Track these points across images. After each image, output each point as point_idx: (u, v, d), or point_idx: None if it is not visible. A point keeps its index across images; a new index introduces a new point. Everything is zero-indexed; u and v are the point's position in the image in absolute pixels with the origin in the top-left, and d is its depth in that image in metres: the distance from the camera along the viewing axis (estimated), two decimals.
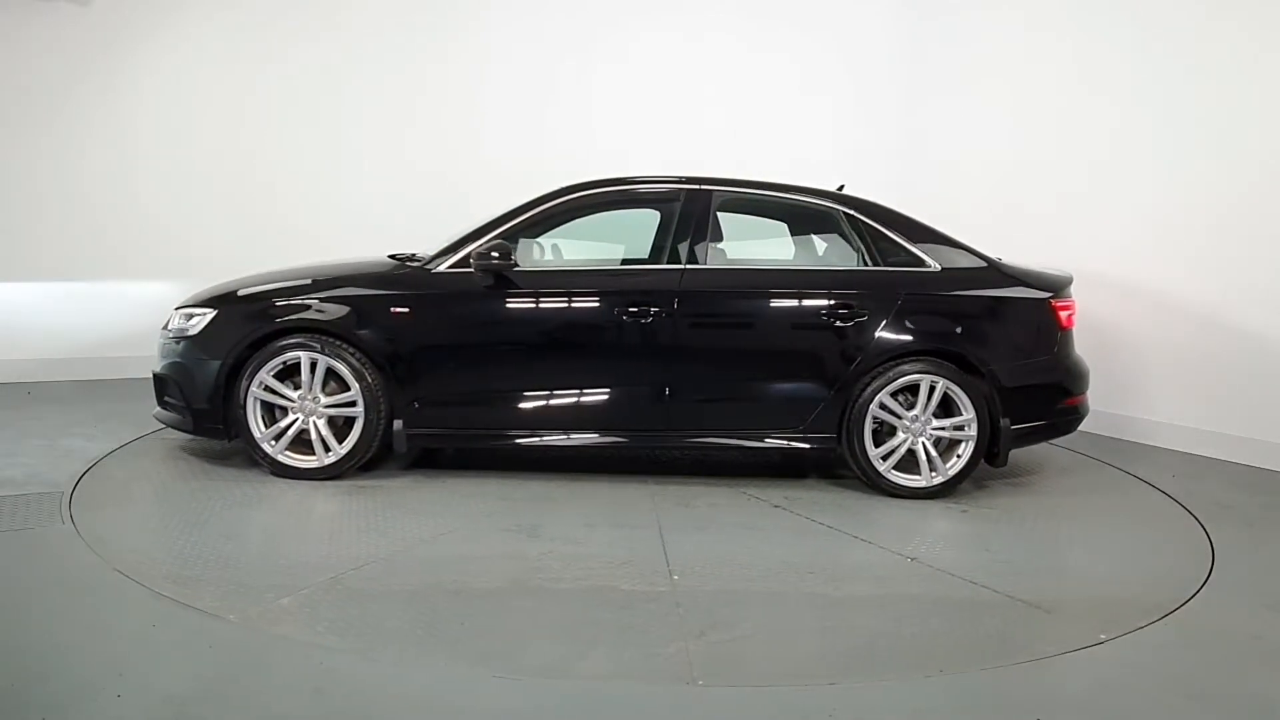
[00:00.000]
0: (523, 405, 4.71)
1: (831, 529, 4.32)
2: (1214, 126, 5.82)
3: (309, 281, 4.82)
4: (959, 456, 4.74)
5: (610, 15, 7.81)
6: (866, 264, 4.89)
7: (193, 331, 4.71)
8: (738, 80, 7.86)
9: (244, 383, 4.59)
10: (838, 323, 4.72)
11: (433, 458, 5.20)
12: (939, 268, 4.84)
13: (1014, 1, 6.95)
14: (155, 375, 4.88)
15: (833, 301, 4.73)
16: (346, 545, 3.91)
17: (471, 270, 4.65)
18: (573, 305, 4.81)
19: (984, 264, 4.90)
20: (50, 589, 3.36)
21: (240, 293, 4.83)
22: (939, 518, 4.56)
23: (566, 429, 4.73)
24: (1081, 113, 6.48)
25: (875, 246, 4.88)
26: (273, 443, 4.64)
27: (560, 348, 4.78)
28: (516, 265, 4.65)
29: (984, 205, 6.84)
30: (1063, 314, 4.88)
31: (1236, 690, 3.00)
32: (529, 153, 7.45)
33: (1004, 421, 4.72)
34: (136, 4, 6.86)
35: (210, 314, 4.72)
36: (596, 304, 4.76)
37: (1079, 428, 5.11)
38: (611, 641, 3.15)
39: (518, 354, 4.77)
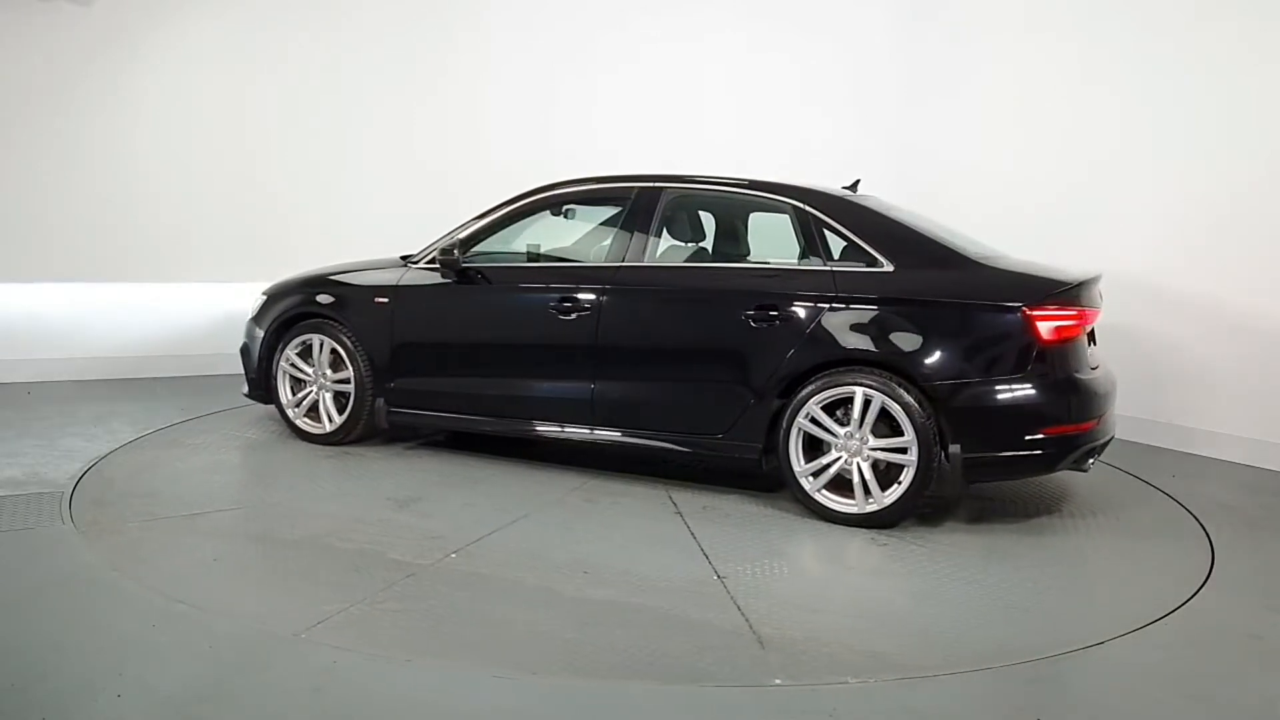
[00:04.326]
0: (471, 391, 5.04)
1: (693, 538, 4.06)
2: (1213, 125, 5.81)
3: (327, 274, 5.45)
4: (899, 483, 4.16)
5: (611, 17, 7.80)
6: (808, 262, 4.53)
7: (253, 313, 5.56)
8: (739, 81, 7.85)
9: (276, 358, 5.35)
10: (756, 324, 4.40)
11: (432, 435, 5.52)
12: (891, 268, 4.32)
13: (1014, 1, 6.95)
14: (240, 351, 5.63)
15: (753, 302, 4.42)
16: (247, 493, 4.69)
17: (438, 266, 5.05)
18: (515, 301, 5.03)
19: (958, 265, 4.33)
20: (50, 589, 3.37)
21: (279, 282, 5.57)
22: (838, 545, 4.08)
23: (506, 416, 4.98)
24: (1083, 112, 6.46)
25: (822, 244, 4.49)
26: (294, 409, 5.37)
27: (503, 340, 5.01)
28: (460, 263, 4.98)
29: (984, 205, 6.81)
30: (1043, 325, 4.11)
31: (1236, 690, 3.00)
32: (531, 154, 7.43)
33: (954, 448, 4.13)
34: (136, 4, 6.85)
35: (263, 299, 5.55)
36: (535, 300, 4.88)
37: (1086, 463, 4.33)
38: (304, 596, 3.38)
39: (467, 344, 5.10)
